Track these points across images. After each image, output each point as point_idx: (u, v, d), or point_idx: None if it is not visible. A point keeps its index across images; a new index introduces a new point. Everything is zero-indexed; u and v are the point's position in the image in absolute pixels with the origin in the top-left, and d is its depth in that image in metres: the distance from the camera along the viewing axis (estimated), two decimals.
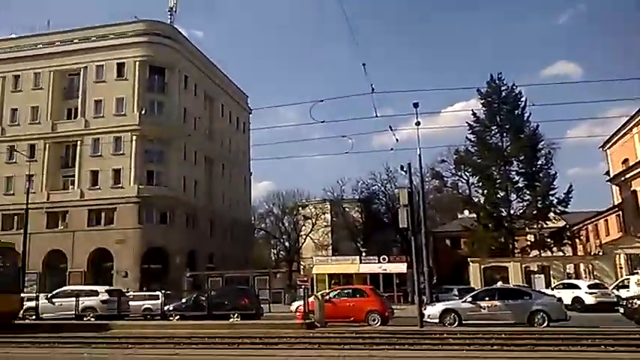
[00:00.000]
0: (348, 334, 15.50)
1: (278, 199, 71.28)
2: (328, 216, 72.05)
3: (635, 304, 16.73)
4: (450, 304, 18.78)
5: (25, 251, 29.99)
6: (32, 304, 23.83)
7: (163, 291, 28.99)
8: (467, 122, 40.00)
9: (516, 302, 17.52)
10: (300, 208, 71.34)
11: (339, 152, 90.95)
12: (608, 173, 54.40)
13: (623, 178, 40.12)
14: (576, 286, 27.45)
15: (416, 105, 22.05)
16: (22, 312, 20.76)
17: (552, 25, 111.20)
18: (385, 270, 39.19)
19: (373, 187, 59.94)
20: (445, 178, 46.92)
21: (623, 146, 49.29)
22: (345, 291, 20.92)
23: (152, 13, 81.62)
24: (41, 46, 48.31)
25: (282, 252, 76.69)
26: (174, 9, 50.26)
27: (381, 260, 40.54)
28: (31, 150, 44.82)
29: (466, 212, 53.73)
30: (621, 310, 17.85)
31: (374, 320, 18.72)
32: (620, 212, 41.23)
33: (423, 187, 20.23)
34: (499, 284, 29.72)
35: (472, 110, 40.77)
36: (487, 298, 17.98)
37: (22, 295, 20.35)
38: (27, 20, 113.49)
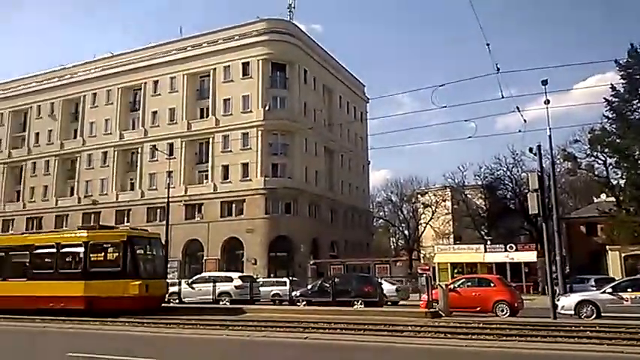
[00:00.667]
0: (475, 324, 15.16)
1: (396, 187, 70.89)
2: (449, 203, 70.19)
3: None
4: (587, 295, 17.50)
5: (167, 241, 32.83)
6: (175, 289, 26.36)
7: (290, 278, 30.49)
8: (604, 98, 36.46)
9: None
10: (419, 196, 70.31)
11: (462, 137, 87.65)
12: None
13: None
14: None
15: (544, 82, 20.59)
16: (167, 296, 22.98)
17: None
18: (513, 259, 37.45)
19: (498, 172, 56.92)
20: (579, 160, 43.07)
21: None
22: (471, 280, 20.44)
23: (270, 9, 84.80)
24: (175, 51, 52.58)
25: (400, 240, 76.27)
26: (292, 5, 51.96)
27: (508, 249, 38.74)
28: (169, 148, 49.15)
29: (603, 196, 49.31)
30: None
31: (502, 311, 18.08)
32: None
33: (554, 170, 18.95)
34: None
35: (610, 84, 36.97)
36: (630, 289, 16.48)
37: (167, 281, 22.43)
38: (160, 28, 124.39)
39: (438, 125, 78.53)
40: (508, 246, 39.15)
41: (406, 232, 71.17)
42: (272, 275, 38.68)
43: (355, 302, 20.98)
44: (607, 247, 35.48)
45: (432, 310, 17.35)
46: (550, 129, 20.02)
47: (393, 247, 78.39)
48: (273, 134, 48.00)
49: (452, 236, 70.87)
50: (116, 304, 18.31)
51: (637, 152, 35.41)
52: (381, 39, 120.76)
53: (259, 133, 46.85)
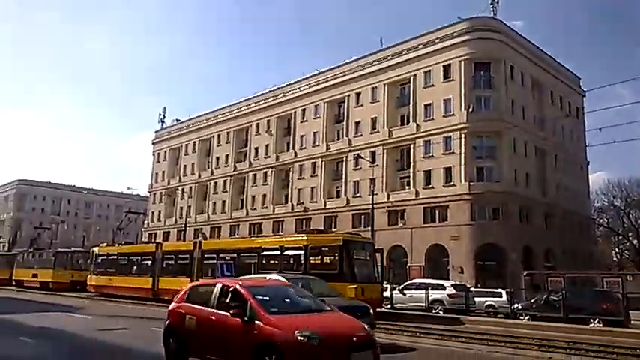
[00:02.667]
0: None
1: (620, 190, 61.93)
2: None
3: None
4: None
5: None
6: (387, 293, 26.53)
7: (507, 289, 28.44)
8: None
9: None
10: None
11: None
12: None
13: None
14: None
15: None
16: None
17: None
18: None
19: None
20: None
21: None
22: None
23: (472, 8, 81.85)
24: (375, 62, 53.83)
25: (625, 251, 66.39)
26: (496, 1, 49.18)
27: None
28: (372, 156, 50.39)
29: None
30: None
31: None
32: None
33: None
34: None
35: None
36: None
37: (382, 285, 22.54)
38: (364, 42, 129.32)
39: None
40: None
41: (635, 241, 61.75)
42: (479, 285, 36.67)
43: (591, 320, 18.50)
44: None
45: None
46: None
47: (616, 258, 68.72)
48: (478, 137, 45.86)
49: None
50: None
51: None
52: (591, 28, 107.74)
53: (462, 136, 45.19)
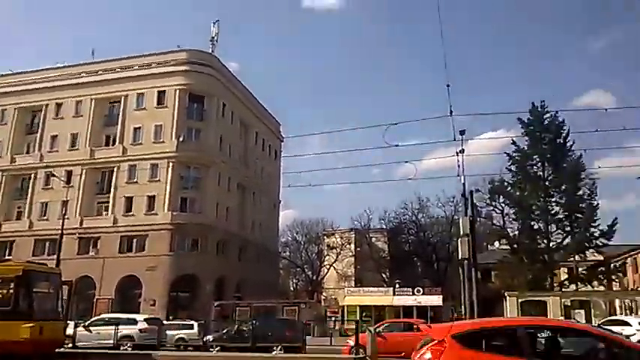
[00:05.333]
0: None
1: (302, 227, 70.87)
2: (353, 246, 71.29)
3: None
4: None
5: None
6: (70, 331, 23.57)
7: (197, 320, 28.62)
8: (506, 153, 39.38)
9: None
10: (325, 237, 70.83)
11: (367, 181, 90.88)
12: None
13: None
14: (626, 323, 26.21)
15: (462, 132, 21.56)
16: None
17: (588, 52, 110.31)
18: (420, 302, 38.38)
19: (404, 217, 59.21)
20: (479, 209, 45.91)
21: None
22: (397, 325, 20.37)
23: (192, 42, 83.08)
24: (84, 74, 49.47)
25: (301, 281, 75.94)
26: (215, 39, 51.10)
27: (416, 292, 39.76)
28: (67, 176, 45.44)
29: (496, 244, 52.62)
30: None
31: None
32: None
33: (474, 216, 19.63)
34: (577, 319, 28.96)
35: (512, 140, 40.09)
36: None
37: (67, 322, 19.88)
38: (72, 50, 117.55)
39: (346, 169, 79.96)
40: (415, 289, 40.15)
41: (309, 273, 71.01)
42: (171, 317, 36.11)
43: (274, 348, 19.99)
44: (506, 292, 37.33)
45: (360, 356, 16.88)
46: (464, 176, 20.79)
47: (292, 288, 77.82)
48: (186, 167, 46.27)
49: (354, 279, 71.88)
50: (4, 349, 15.80)
51: (533, 205, 38.17)
52: (296, 77, 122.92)
53: (171, 164, 44.85)
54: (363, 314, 39.11)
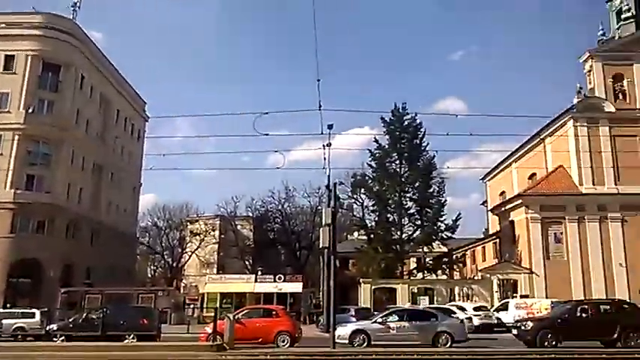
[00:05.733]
0: (262, 357, 15.11)
1: (164, 212, 68.14)
2: (217, 233, 70.32)
3: (528, 326, 18.19)
4: (360, 325, 18.98)
5: None
6: None
7: (41, 309, 26.33)
8: (368, 149, 41.63)
9: (424, 323, 18.22)
10: (189, 223, 68.91)
11: (234, 167, 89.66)
12: (485, 203, 59.57)
13: (503, 209, 43.88)
14: (462, 308, 29.21)
15: (330, 127, 22.33)
16: None
17: (447, 61, 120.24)
18: (281, 289, 38.98)
19: (270, 206, 59.69)
20: (342, 200, 47.92)
21: (501, 180, 54.39)
22: (256, 311, 20.43)
23: (52, 6, 74.59)
24: None
25: (160, 268, 73.28)
26: (77, 4, 46.31)
27: (277, 280, 40.33)
28: None
29: (355, 234, 55.46)
30: (514, 331, 19.24)
31: (283, 341, 18.37)
32: (497, 240, 45.01)
33: (336, 207, 20.38)
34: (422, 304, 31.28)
35: (374, 137, 42.51)
36: (397, 319, 18.47)
37: None
38: None
39: (215, 154, 78.21)
40: (277, 277, 40.76)
41: (169, 259, 68.62)
42: (9, 305, 32.74)
43: (127, 336, 18.97)
44: (361, 280, 39.49)
45: (216, 343, 16.66)
46: (330, 169, 21.64)
47: (150, 275, 74.78)
48: (35, 141, 41.79)
49: (216, 266, 70.96)
50: None
51: (390, 199, 40.86)
52: (168, 57, 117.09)
53: (16, 137, 40.15)
54: (224, 301, 38.69)
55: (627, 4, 44.38)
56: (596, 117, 39.62)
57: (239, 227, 67.16)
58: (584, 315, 18.54)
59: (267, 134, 18.86)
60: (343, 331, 18.41)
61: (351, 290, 43.60)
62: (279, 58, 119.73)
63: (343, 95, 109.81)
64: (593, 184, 38.71)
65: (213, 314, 20.33)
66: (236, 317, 18.68)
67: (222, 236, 70.54)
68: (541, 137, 43.68)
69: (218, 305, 35.75)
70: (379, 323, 18.43)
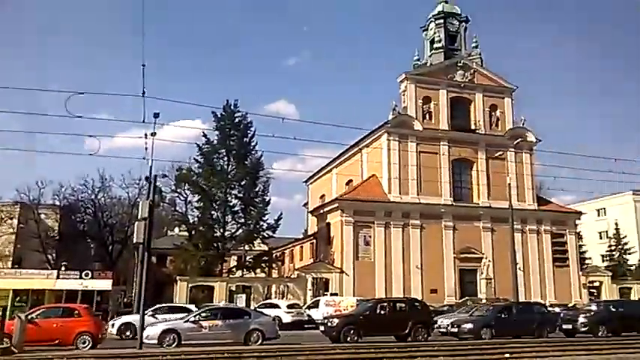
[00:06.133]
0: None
1: None
2: (16, 221, 62.09)
3: (334, 322, 19.38)
4: (170, 324, 18.32)
5: None
6: None
7: None
8: (196, 143, 40.50)
9: (236, 321, 18.29)
10: None
11: (41, 150, 79.96)
12: (306, 205, 62.38)
13: (321, 211, 46.26)
14: (277, 306, 30.15)
15: (156, 115, 21.15)
16: None
17: (281, 66, 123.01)
18: (87, 287, 35.86)
19: (82, 195, 54.49)
20: (164, 194, 45.76)
21: (322, 183, 57.46)
22: (53, 310, 18.44)
23: None
24: None
25: None
26: None
27: (84, 276, 36.97)
28: None
29: (176, 230, 53.65)
30: (322, 327, 20.35)
31: (84, 343, 16.92)
32: (315, 241, 47.32)
33: (157, 201, 19.35)
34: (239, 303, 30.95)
35: (203, 132, 41.49)
36: (210, 318, 18.25)
37: None
38: None
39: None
40: (84, 273, 37.39)
41: None
42: None
43: None
44: (177, 277, 38.29)
45: (3, 346, 14.66)
46: (152, 160, 20.48)
47: None
48: None
49: (11, 259, 62.67)
50: None
51: (216, 195, 40.30)
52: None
53: None
54: (17, 299, 34.34)
55: (439, 36, 50.29)
56: (407, 133, 44.10)
57: (43, 217, 60.11)
58: (382, 312, 20.40)
59: (80, 116, 17.17)
60: (152, 330, 17.65)
61: (167, 288, 42.06)
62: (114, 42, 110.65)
63: (176, 87, 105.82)
64: (400, 194, 43.00)
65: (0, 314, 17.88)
66: (29, 317, 16.71)
67: (22, 226, 62.44)
68: (359, 147, 47.19)
69: (10, 304, 31.77)
70: (191, 322, 18.03)
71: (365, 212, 42.21)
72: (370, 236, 42.06)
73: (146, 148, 19.13)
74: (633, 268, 55.08)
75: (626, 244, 58.63)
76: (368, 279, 40.65)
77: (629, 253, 58.02)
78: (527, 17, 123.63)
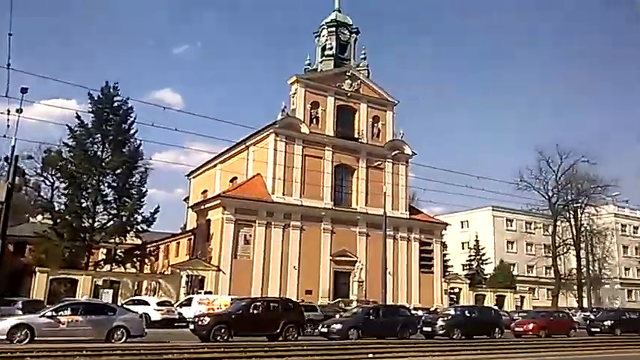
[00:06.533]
0: None
1: None
2: None
3: (205, 321, 18.98)
4: (23, 319, 16.78)
5: None
6: None
7: None
8: (67, 125, 37.36)
9: (99, 318, 17.22)
10: None
11: None
12: (187, 199, 60.55)
13: (202, 207, 45.15)
14: (146, 303, 28.83)
15: (24, 90, 19.27)
16: None
17: (170, 54, 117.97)
18: None
19: None
20: (28, 177, 41.61)
21: (205, 178, 56.14)
22: None
23: None
24: None
25: None
26: None
27: None
28: None
29: (39, 217, 49.25)
30: (191, 326, 19.81)
31: None
32: (193, 237, 46.05)
33: (17, 184, 17.49)
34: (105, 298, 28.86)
35: (77, 113, 38.25)
36: (69, 313, 16.98)
37: None
38: None
39: None
40: None
41: None
42: None
43: None
44: (37, 268, 35.18)
45: None
46: (16, 139, 18.62)
47: None
48: None
49: None
50: None
51: (87, 182, 37.43)
52: None
53: None
54: None
55: (330, 43, 51.66)
56: (294, 136, 44.71)
57: None
58: (255, 311, 20.40)
59: None
60: (2, 325, 16.02)
61: (26, 280, 38.38)
62: None
63: (54, 64, 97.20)
64: (283, 194, 43.43)
65: None
66: None
67: None
68: (246, 145, 46.89)
69: None
70: (48, 317, 16.65)
71: (247, 211, 42.00)
72: (251, 235, 41.93)
73: (8, 126, 17.37)
74: (488, 276, 60.68)
75: (484, 254, 64.70)
76: (245, 278, 40.46)
77: (486, 263, 64.03)
78: (414, 29, 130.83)
